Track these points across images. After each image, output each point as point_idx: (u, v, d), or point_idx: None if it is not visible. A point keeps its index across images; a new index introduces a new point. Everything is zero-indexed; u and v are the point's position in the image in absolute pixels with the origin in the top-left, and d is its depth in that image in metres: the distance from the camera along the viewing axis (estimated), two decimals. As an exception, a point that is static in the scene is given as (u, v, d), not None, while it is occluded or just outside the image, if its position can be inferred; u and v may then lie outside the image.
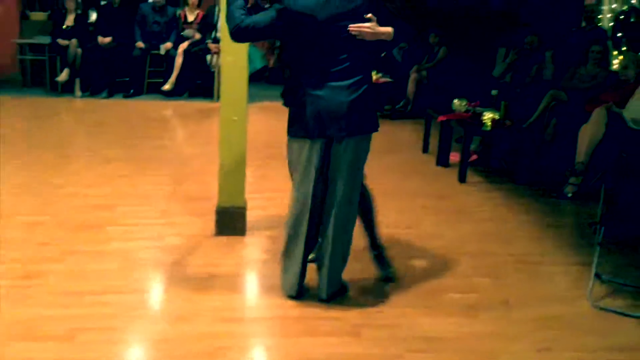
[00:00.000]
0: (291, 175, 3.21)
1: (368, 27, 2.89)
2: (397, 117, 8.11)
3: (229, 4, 2.96)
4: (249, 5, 3.01)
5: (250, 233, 4.01)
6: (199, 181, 5.06)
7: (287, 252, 3.21)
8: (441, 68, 8.27)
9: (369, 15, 2.89)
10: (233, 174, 3.88)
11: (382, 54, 7.69)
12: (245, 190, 3.99)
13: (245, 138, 3.87)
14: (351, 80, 2.96)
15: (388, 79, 8.17)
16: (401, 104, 8.30)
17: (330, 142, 3.02)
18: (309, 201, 3.08)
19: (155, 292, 3.36)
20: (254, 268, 3.68)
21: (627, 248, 4.07)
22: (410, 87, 8.25)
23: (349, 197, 3.10)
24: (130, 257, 3.63)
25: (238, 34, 2.93)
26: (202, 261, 3.65)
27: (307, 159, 3.02)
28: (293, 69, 3.03)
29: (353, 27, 2.89)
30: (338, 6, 2.90)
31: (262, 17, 2.91)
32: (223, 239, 3.92)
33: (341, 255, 3.20)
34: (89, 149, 5.93)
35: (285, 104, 3.45)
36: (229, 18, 2.95)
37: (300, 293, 3.21)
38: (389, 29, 2.96)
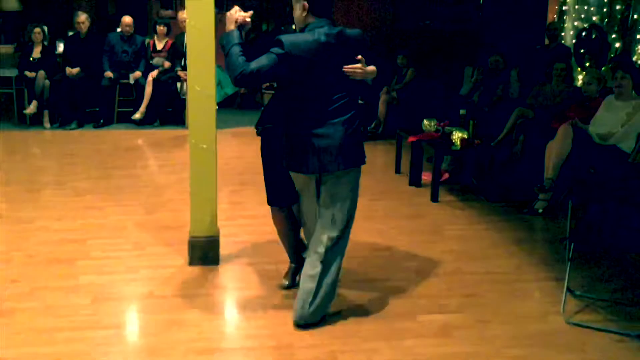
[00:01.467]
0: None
1: (359, 68, 3.13)
2: (369, 138, 8.16)
3: (228, 52, 3.00)
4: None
5: (224, 261, 3.98)
6: (172, 210, 5.02)
7: None
8: (410, 89, 8.36)
9: (359, 57, 3.13)
10: (204, 203, 3.86)
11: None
12: (217, 219, 3.97)
13: (215, 166, 3.86)
14: (346, 117, 3.14)
15: (359, 101, 8.21)
16: (372, 125, 8.36)
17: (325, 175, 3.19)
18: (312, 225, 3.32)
19: (129, 326, 3.31)
20: (228, 298, 3.65)
21: (598, 262, 4.13)
22: (381, 108, 8.31)
23: (345, 223, 3.24)
24: (102, 291, 3.58)
25: (243, 80, 2.97)
26: (176, 292, 3.60)
27: (310, 191, 3.26)
28: (292, 109, 3.16)
29: (347, 68, 3.11)
30: (333, 50, 3.07)
31: (265, 62, 2.95)
32: (196, 269, 3.89)
33: (335, 281, 3.28)
34: (59, 181, 5.86)
35: (259, 134, 3.50)
36: (232, 65, 2.97)
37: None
38: (374, 68, 3.23)
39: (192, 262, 3.92)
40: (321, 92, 3.10)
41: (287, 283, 3.65)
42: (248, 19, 3.08)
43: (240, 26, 3.07)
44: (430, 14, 9.71)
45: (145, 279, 3.77)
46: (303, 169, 3.15)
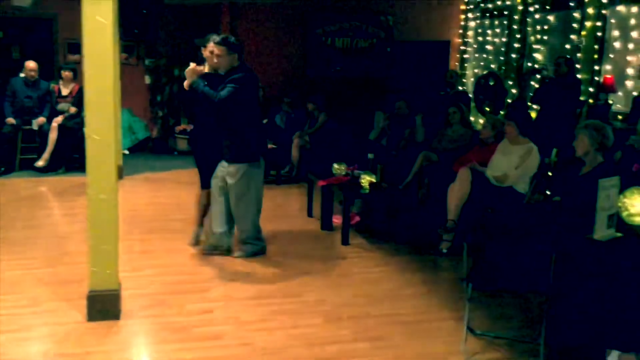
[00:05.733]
0: None
1: None
2: (283, 182, 8.21)
3: (202, 91, 4.66)
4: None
5: (127, 316, 3.84)
6: (72, 263, 4.81)
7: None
8: (322, 133, 8.50)
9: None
10: (104, 255, 3.73)
11: (265, 121, 7.98)
12: (119, 271, 3.84)
13: (116, 217, 3.76)
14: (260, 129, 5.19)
15: (272, 145, 8.28)
16: (286, 169, 8.42)
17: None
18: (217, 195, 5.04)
19: (20, 390, 3.13)
20: (129, 354, 3.51)
21: (497, 301, 4.28)
22: (294, 152, 8.40)
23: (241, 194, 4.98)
24: (-9, 353, 3.37)
25: (220, 102, 4.66)
26: (74, 351, 3.44)
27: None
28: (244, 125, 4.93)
29: None
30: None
31: (228, 91, 4.68)
32: (96, 324, 3.73)
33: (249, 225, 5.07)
34: (-49, 234, 5.51)
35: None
36: (209, 97, 4.66)
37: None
38: None
39: (91, 318, 3.76)
40: (255, 112, 4.99)
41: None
42: (202, 70, 4.79)
43: (200, 75, 4.73)
44: (340, 63, 10.03)
45: (42, 337, 3.59)
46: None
